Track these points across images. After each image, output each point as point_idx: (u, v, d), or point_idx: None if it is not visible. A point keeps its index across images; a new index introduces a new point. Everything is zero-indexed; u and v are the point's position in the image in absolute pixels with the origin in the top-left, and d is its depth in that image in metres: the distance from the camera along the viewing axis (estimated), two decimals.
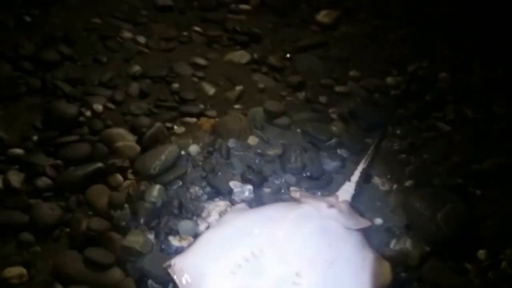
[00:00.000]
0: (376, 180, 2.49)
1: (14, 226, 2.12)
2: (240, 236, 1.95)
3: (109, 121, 2.57)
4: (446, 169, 2.52)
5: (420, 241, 2.21)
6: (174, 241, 2.14)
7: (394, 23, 3.46)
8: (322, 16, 3.48)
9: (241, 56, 3.13)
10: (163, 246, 2.12)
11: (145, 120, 2.56)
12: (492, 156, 2.56)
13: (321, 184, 2.44)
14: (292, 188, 2.40)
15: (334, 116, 2.81)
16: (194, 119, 2.70)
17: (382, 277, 1.97)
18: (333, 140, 2.65)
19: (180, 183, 2.37)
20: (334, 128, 2.72)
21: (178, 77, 2.91)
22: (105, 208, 2.22)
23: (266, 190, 2.39)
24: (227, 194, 2.34)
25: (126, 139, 2.47)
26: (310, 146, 2.61)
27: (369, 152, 2.51)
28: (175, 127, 2.65)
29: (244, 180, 2.40)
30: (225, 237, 1.97)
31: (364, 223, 2.19)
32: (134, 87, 2.79)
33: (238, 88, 2.90)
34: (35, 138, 2.44)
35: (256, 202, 2.32)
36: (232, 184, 2.37)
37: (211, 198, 2.33)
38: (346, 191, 2.32)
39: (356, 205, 2.30)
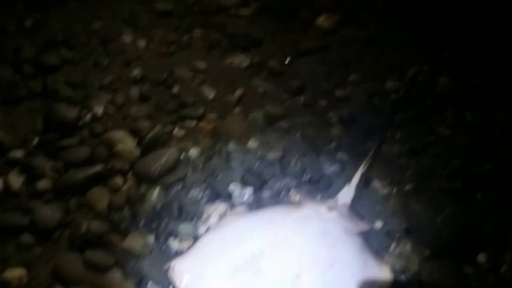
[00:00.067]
0: (376, 183, 2.49)
1: (14, 227, 2.13)
2: (240, 239, 1.95)
3: (109, 124, 2.59)
4: (446, 173, 2.52)
5: (419, 245, 2.21)
6: (174, 244, 2.14)
7: (394, 28, 3.45)
8: (322, 21, 3.49)
9: (241, 60, 3.14)
10: (163, 249, 2.13)
11: (145, 124, 2.57)
12: (492, 160, 2.56)
13: (321, 187, 2.44)
14: (292, 192, 2.40)
15: (334, 120, 2.80)
16: (194, 123, 2.70)
17: (381, 280, 1.97)
18: (333, 144, 2.65)
19: (180, 186, 2.38)
20: (334, 132, 2.72)
21: (178, 80, 2.92)
22: (105, 211, 2.23)
23: (266, 193, 2.38)
24: (227, 197, 2.34)
25: (126, 142, 2.47)
26: (310, 149, 2.61)
27: (369, 155, 2.51)
28: (175, 130, 2.65)
29: (244, 183, 2.40)
30: (224, 239, 1.97)
31: (364, 226, 2.19)
32: (134, 91, 2.81)
33: (238, 91, 2.90)
34: (35, 140, 2.46)
35: (256, 205, 2.32)
36: (232, 187, 2.37)
37: (210, 201, 2.33)
38: (346, 194, 2.32)
39: (355, 209, 2.30)
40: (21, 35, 3.01)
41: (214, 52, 3.22)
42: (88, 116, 2.59)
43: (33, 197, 2.24)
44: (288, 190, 2.41)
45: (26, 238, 2.12)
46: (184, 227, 2.19)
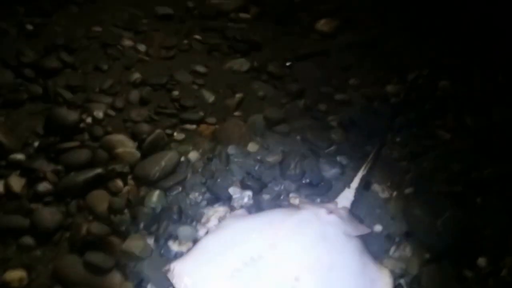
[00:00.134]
0: (376, 187, 2.49)
1: (15, 230, 2.13)
2: (239, 241, 1.95)
3: (110, 128, 2.59)
4: (446, 177, 2.51)
5: (419, 248, 2.21)
6: (174, 246, 2.14)
7: (393, 32, 3.47)
8: (322, 25, 3.50)
9: (241, 64, 3.15)
10: (162, 251, 2.13)
11: (145, 127, 2.57)
12: (492, 164, 2.55)
13: (321, 190, 2.44)
14: (291, 195, 2.40)
15: (333, 123, 2.81)
16: (194, 126, 2.71)
17: (381, 283, 1.96)
18: (333, 147, 2.65)
19: (180, 189, 2.38)
20: (333, 135, 2.72)
21: (178, 84, 2.92)
22: (105, 213, 2.23)
23: (266, 196, 2.38)
24: (227, 200, 2.35)
25: (126, 146, 2.47)
26: (310, 153, 2.61)
27: (369, 159, 2.51)
28: (175, 133, 2.66)
29: (244, 187, 2.40)
30: (224, 242, 1.97)
31: (364, 229, 2.18)
32: (135, 94, 2.81)
33: (238, 95, 2.90)
34: (36, 144, 2.46)
35: (255, 208, 2.32)
36: (231, 190, 2.38)
37: (210, 204, 2.34)
38: (346, 197, 2.32)
39: (355, 212, 2.31)
40: (22, 39, 3.02)
41: (214, 56, 3.23)
42: (89, 120, 2.59)
43: (33, 199, 2.24)
44: (288, 193, 2.41)
45: (27, 240, 2.12)
46: (184, 230, 2.19)
